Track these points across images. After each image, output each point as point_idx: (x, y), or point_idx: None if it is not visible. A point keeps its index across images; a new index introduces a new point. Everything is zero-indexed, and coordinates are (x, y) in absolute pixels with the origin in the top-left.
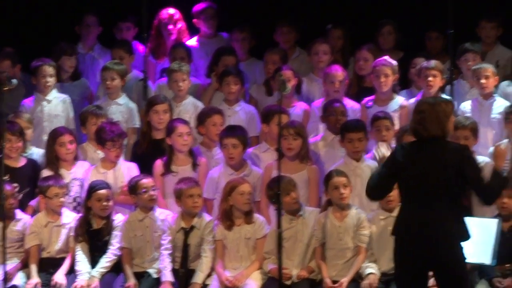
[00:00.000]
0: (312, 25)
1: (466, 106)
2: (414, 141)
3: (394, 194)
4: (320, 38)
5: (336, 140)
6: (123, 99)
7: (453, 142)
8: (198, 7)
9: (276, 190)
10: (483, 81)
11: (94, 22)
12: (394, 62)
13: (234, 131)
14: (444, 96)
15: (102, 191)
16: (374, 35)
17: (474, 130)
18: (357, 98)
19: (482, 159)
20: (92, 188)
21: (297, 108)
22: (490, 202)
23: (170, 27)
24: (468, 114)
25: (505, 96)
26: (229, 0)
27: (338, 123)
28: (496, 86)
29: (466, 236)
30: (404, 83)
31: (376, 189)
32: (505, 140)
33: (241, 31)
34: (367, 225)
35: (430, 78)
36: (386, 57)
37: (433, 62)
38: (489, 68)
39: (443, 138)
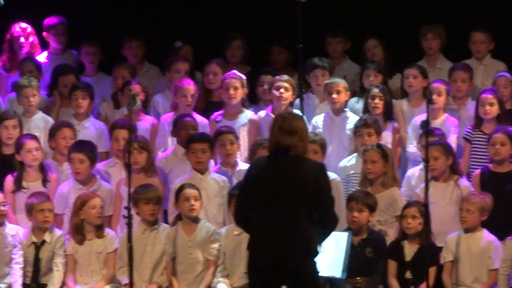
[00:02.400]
0: (160, 40)
1: (318, 121)
2: (270, 157)
3: None
4: (181, 57)
5: None
6: None
7: (310, 159)
8: (49, 21)
9: (128, 204)
10: (334, 96)
11: None
12: (243, 76)
13: (82, 146)
14: (294, 110)
15: None
16: (222, 49)
17: (322, 145)
18: (205, 113)
19: (331, 175)
20: None
21: (145, 122)
22: (329, 229)
23: (22, 40)
24: (320, 129)
25: (354, 113)
26: (79, 15)
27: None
28: (347, 102)
29: (317, 251)
30: (251, 98)
31: (242, 215)
32: (355, 154)
33: (90, 46)
34: (216, 238)
35: (282, 90)
36: (235, 71)
37: (285, 76)
38: (341, 83)
39: (303, 154)
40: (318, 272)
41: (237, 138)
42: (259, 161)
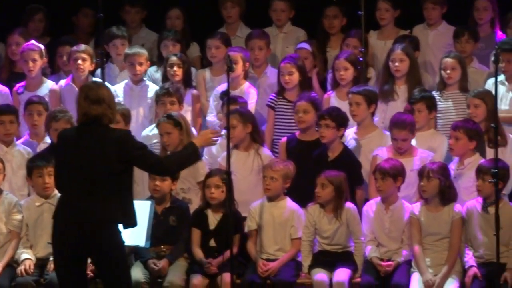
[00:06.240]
0: None
1: (117, 90)
2: (78, 128)
3: (50, 180)
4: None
5: None
6: None
7: (115, 128)
8: None
9: None
10: (138, 67)
11: None
12: (42, 46)
13: None
14: (95, 79)
15: None
16: (21, 18)
17: (125, 114)
18: (8, 83)
19: None
20: None
21: None
22: (172, 172)
23: None
24: (120, 99)
25: (153, 82)
26: None
27: None
28: (146, 71)
29: (130, 221)
30: (52, 68)
31: (57, 184)
32: (152, 125)
33: None
34: (19, 210)
35: (80, 62)
36: (33, 41)
37: (82, 46)
38: (143, 55)
39: (109, 124)
40: (123, 241)
41: (46, 109)
42: (66, 132)
